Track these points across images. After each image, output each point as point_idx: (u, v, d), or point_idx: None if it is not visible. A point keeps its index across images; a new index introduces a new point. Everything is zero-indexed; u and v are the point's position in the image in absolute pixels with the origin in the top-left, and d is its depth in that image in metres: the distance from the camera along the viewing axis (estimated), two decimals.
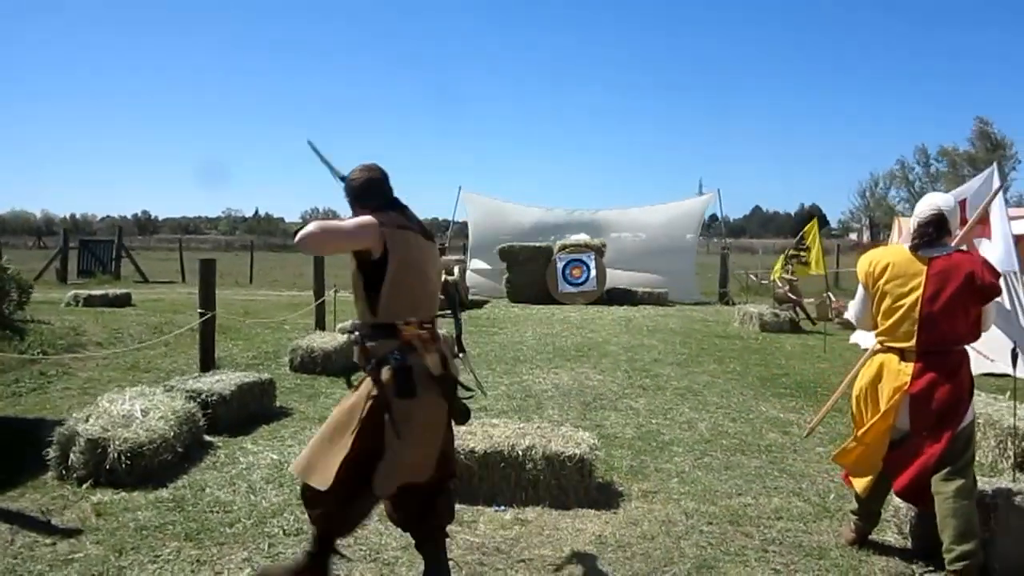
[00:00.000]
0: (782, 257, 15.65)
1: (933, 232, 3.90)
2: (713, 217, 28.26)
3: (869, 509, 4.19)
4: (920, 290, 3.83)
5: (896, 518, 4.33)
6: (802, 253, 14.23)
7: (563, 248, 18.57)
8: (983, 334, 3.97)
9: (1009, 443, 5.59)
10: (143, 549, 4.00)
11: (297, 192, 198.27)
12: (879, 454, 4.02)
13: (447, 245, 22.81)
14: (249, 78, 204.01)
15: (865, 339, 11.41)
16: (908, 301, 3.86)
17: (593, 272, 18.31)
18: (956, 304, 3.78)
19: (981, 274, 3.79)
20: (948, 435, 3.76)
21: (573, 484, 4.77)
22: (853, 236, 68.99)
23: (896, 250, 4.09)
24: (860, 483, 4.17)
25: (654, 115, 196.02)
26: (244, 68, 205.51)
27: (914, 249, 3.93)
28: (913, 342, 3.84)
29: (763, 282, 18.81)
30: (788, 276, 14.93)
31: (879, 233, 57.81)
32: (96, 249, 25.96)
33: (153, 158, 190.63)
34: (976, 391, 6.72)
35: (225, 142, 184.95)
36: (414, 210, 3.52)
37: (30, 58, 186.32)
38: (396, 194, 3.48)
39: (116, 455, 4.90)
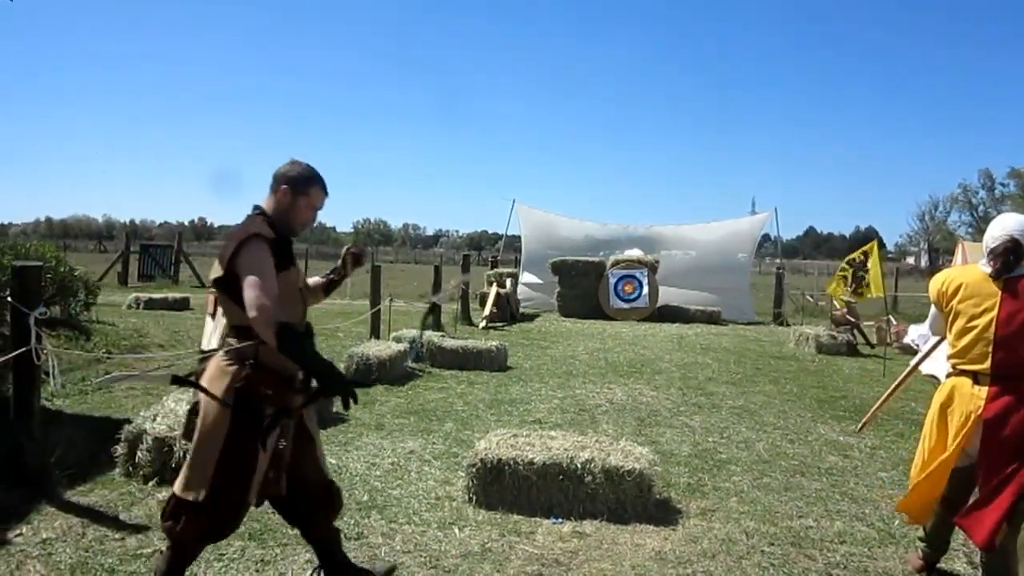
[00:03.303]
0: (836, 276, 15.36)
1: (1012, 259, 3.77)
2: (766, 236, 27.85)
3: (938, 537, 4.09)
4: (995, 311, 3.70)
5: (966, 547, 4.23)
6: (864, 275, 13.97)
7: (616, 263, 18.52)
8: None
9: None
10: (209, 547, 4.06)
11: (347, 202, 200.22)
12: (939, 488, 3.92)
13: (499, 257, 22.90)
14: (300, 87, 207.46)
15: (926, 366, 11.12)
16: (982, 322, 3.73)
17: (645, 288, 18.21)
18: None
19: None
20: (1020, 476, 3.61)
21: (631, 499, 4.74)
22: (910, 260, 67.63)
23: (970, 270, 3.96)
24: (924, 517, 4.08)
25: (708, 132, 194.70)
26: (295, 77, 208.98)
27: (995, 276, 3.81)
28: (987, 364, 3.71)
29: (819, 303, 18.53)
30: (846, 298, 14.67)
31: (938, 258, 56.53)
32: (156, 254, 26.56)
33: (209, 165, 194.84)
34: None
35: (275, 152, 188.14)
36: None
37: (89, 64, 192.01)
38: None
39: (182, 454, 4.98)
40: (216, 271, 3.11)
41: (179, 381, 3.23)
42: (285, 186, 3.25)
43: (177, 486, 3.14)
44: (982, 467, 3.70)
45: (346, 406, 3.05)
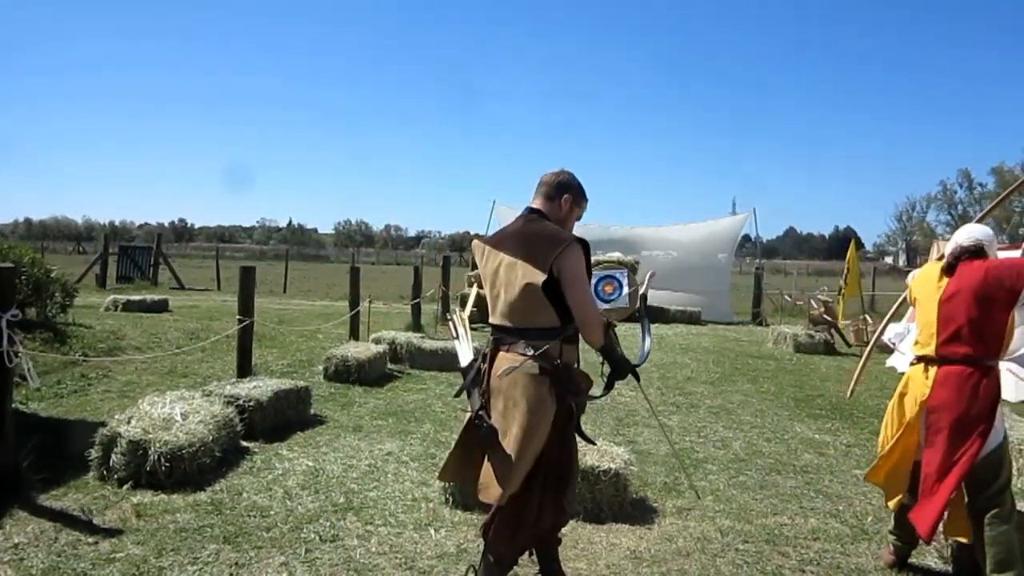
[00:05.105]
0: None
1: (966, 258, 3.89)
2: (746, 237, 28.00)
3: (908, 531, 4.14)
4: (940, 293, 3.87)
5: (937, 541, 4.26)
6: (846, 274, 14.11)
7: (596, 264, 18.54)
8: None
9: None
10: (183, 550, 4.06)
11: (330, 203, 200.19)
12: (907, 470, 3.98)
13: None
14: (283, 88, 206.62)
15: (902, 362, 11.23)
16: (931, 306, 3.91)
17: (625, 289, 18.23)
18: (972, 303, 3.74)
19: (997, 270, 3.77)
20: (959, 466, 3.67)
21: (608, 498, 4.76)
22: (888, 260, 68.17)
23: (933, 265, 4.14)
24: (893, 501, 4.12)
25: (688, 133, 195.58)
26: (277, 78, 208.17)
27: (944, 270, 3.95)
28: (933, 347, 3.85)
29: (797, 303, 18.65)
30: (823, 297, 14.79)
31: (916, 257, 57.17)
32: (135, 255, 26.34)
33: (190, 167, 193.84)
34: (1017, 417, 6.66)
35: (259, 153, 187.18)
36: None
37: (70, 65, 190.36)
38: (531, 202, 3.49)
39: (156, 457, 4.97)
40: (534, 276, 3.16)
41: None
42: (568, 196, 3.40)
43: (494, 495, 3.21)
44: (924, 455, 3.82)
45: (637, 379, 3.50)
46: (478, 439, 3.29)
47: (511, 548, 3.40)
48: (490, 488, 3.24)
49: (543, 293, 3.16)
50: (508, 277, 3.26)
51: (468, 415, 3.40)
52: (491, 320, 3.40)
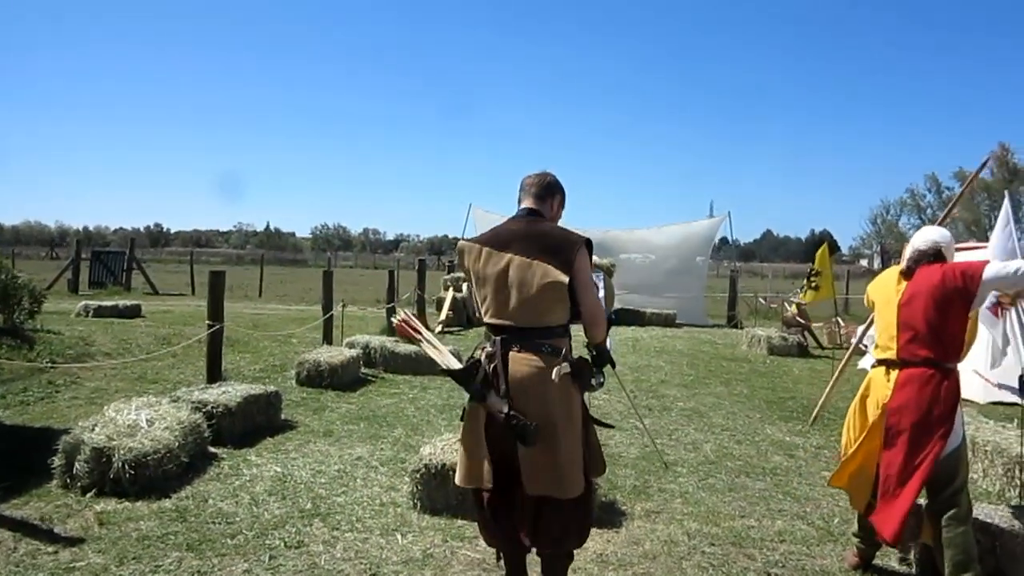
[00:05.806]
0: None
1: (925, 262, 3.94)
2: (723, 240, 28.18)
3: (872, 533, 4.16)
4: (899, 296, 3.92)
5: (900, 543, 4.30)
6: (813, 279, 14.21)
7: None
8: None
9: (1017, 471, 5.55)
10: (144, 559, 4.01)
11: (307, 207, 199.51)
12: (870, 473, 4.01)
13: (455, 261, 22.86)
14: (260, 91, 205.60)
15: (867, 363, 11.35)
16: (890, 310, 3.95)
17: (601, 292, 18.23)
18: (931, 306, 3.78)
19: (952, 273, 3.81)
20: (922, 469, 3.70)
21: None
22: (864, 262, 68.75)
23: (890, 271, 4.21)
24: (860, 504, 4.15)
25: (666, 137, 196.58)
26: (255, 81, 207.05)
27: (903, 273, 4.00)
28: (894, 350, 3.88)
29: (772, 306, 18.78)
30: (797, 300, 14.90)
31: (890, 259, 57.68)
32: (108, 260, 26.09)
33: (166, 171, 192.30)
34: (984, 419, 6.73)
35: (237, 157, 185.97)
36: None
37: (44, 69, 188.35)
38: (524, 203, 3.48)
39: (121, 464, 4.91)
40: (557, 276, 3.19)
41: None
42: (558, 196, 3.51)
43: (565, 491, 3.21)
44: (883, 457, 3.82)
45: (614, 366, 3.62)
46: (515, 438, 3.19)
47: (576, 545, 3.49)
48: (548, 485, 3.21)
49: (566, 292, 3.22)
50: (522, 277, 3.23)
51: (464, 419, 3.40)
52: (491, 320, 3.32)
